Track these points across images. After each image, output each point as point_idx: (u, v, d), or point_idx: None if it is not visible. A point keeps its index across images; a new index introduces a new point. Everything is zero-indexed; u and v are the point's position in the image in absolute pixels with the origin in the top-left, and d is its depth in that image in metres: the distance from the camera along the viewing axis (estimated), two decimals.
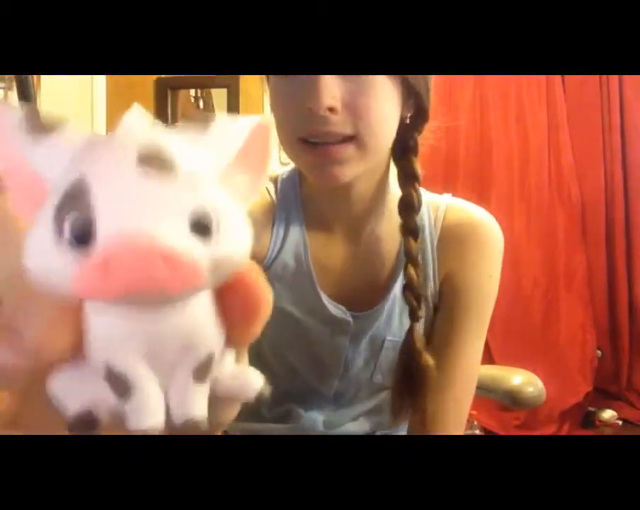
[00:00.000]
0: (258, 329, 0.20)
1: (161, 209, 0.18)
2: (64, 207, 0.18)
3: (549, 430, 2.52)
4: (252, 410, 0.67)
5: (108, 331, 0.19)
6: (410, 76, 0.57)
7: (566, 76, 2.81)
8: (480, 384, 0.93)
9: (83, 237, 0.18)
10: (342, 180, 0.56)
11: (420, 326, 0.64)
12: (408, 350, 0.62)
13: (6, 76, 2.10)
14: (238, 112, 3.02)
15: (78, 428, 0.19)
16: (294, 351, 0.64)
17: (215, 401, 0.21)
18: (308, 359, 0.65)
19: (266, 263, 0.61)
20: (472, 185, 2.85)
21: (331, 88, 0.52)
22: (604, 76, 2.77)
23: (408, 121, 0.61)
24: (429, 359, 0.62)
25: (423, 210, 0.65)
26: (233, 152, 0.21)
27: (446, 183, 2.92)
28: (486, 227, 0.68)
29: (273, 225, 0.62)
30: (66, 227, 0.18)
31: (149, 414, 0.19)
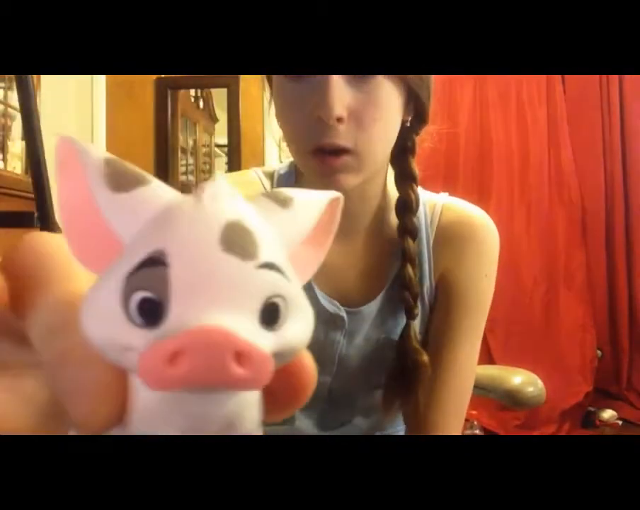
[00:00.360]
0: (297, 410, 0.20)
1: (237, 298, 0.17)
2: (137, 278, 0.17)
3: (549, 430, 2.52)
4: None
5: (152, 405, 0.18)
6: (413, 81, 0.57)
7: (566, 76, 2.81)
8: (480, 384, 0.93)
9: (152, 315, 0.17)
10: (347, 188, 0.56)
11: (416, 325, 0.65)
12: (404, 347, 0.63)
13: (6, 76, 2.10)
14: (238, 112, 3.02)
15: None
16: None
17: None
18: None
19: None
20: (472, 185, 2.85)
21: (342, 97, 0.53)
22: (604, 76, 2.77)
23: (408, 124, 0.62)
24: (425, 357, 0.62)
25: (420, 209, 0.65)
26: (309, 229, 0.21)
27: (446, 183, 2.92)
28: (482, 226, 0.67)
29: None
30: (136, 302, 0.17)
31: None
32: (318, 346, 0.64)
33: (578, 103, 2.80)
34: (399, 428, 0.75)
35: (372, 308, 0.65)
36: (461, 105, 2.86)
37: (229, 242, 0.17)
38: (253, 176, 0.69)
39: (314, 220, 0.21)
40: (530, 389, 0.91)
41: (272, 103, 0.62)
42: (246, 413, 0.19)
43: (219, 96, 3.92)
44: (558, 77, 2.81)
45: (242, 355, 0.16)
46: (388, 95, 0.55)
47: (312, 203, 0.21)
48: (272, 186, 0.67)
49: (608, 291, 2.81)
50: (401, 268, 0.63)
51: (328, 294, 0.65)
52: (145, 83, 3.03)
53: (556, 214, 2.79)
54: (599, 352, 2.74)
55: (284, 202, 0.20)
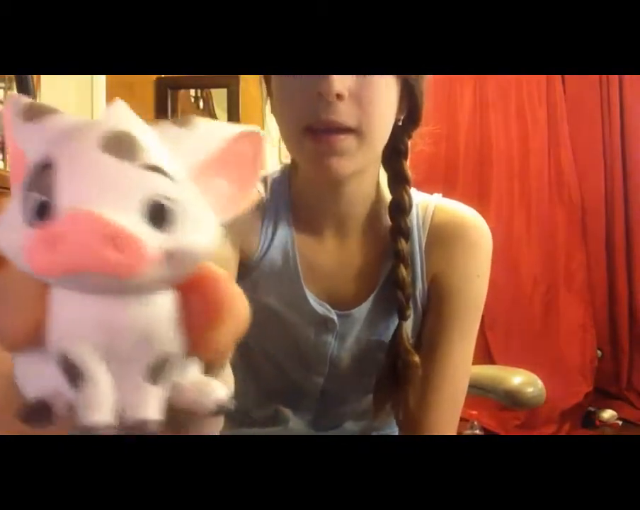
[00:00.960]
0: (224, 338, 0.20)
1: (116, 192, 0.18)
2: (30, 185, 0.19)
3: (549, 430, 2.51)
4: (239, 412, 0.66)
5: (68, 317, 0.19)
6: (410, 78, 0.59)
7: (566, 76, 2.80)
8: (480, 384, 0.93)
9: (42, 215, 0.18)
10: (341, 173, 0.57)
11: (408, 326, 0.65)
12: (395, 348, 0.63)
13: (6, 76, 2.09)
14: (238, 112, 3.01)
15: (30, 418, 0.19)
16: (280, 349, 0.65)
17: (175, 409, 0.20)
18: (293, 357, 0.65)
19: (255, 260, 0.62)
20: (472, 185, 2.85)
21: (342, 76, 0.54)
22: (604, 76, 2.77)
23: (400, 123, 0.62)
24: (416, 357, 0.62)
25: (412, 210, 0.65)
26: (212, 150, 0.21)
27: (446, 183, 2.91)
28: (474, 227, 0.67)
29: (262, 223, 0.63)
30: (30, 205, 0.19)
31: (96, 409, 0.19)
32: (308, 347, 0.65)
33: (578, 103, 2.80)
34: (396, 430, 0.75)
35: (362, 310, 0.65)
36: (461, 106, 2.86)
37: (108, 145, 0.19)
38: None
39: (219, 143, 0.22)
40: (530, 389, 0.90)
41: (269, 99, 0.63)
42: (160, 328, 0.20)
43: (219, 96, 3.92)
44: (558, 77, 2.81)
45: (115, 237, 0.17)
46: (386, 82, 0.56)
47: (217, 128, 0.22)
48: (265, 190, 0.67)
49: (608, 291, 2.80)
50: (394, 268, 0.63)
51: (317, 295, 0.65)
52: (145, 83, 3.02)
53: (556, 215, 2.79)
54: (599, 352, 2.73)
55: (183, 123, 0.22)
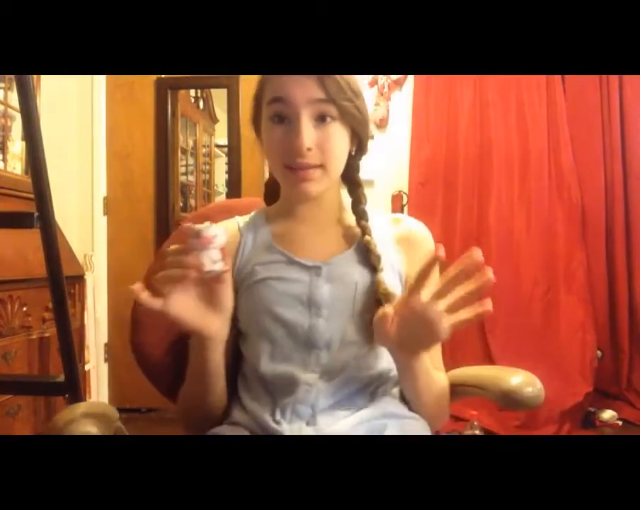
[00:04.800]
0: None
1: None
2: None
3: (549, 430, 2.51)
4: (256, 372, 0.87)
5: None
6: (356, 125, 0.86)
7: (566, 76, 2.81)
8: (478, 384, 0.93)
9: None
10: (313, 194, 0.86)
11: (383, 277, 0.86)
12: (377, 293, 0.84)
13: (6, 76, 2.10)
14: (238, 112, 3.02)
15: None
16: (284, 305, 0.86)
17: None
18: (296, 307, 0.86)
19: (239, 267, 0.91)
20: (472, 185, 2.85)
21: (310, 135, 0.81)
22: (604, 76, 2.77)
23: (353, 153, 0.91)
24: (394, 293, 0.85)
25: (383, 225, 0.94)
26: None
27: (446, 183, 2.92)
28: (422, 232, 0.95)
29: (239, 247, 0.93)
30: None
31: None
32: (306, 292, 0.87)
33: (578, 104, 2.80)
34: (397, 413, 0.84)
35: (340, 260, 0.90)
36: (462, 106, 2.86)
37: None
38: (233, 223, 0.97)
39: None
40: (529, 389, 0.90)
41: (260, 142, 0.89)
42: None
43: (219, 96, 3.92)
44: (558, 77, 2.81)
45: None
46: (340, 133, 0.85)
47: None
48: (247, 221, 0.97)
49: (608, 291, 2.80)
50: (363, 238, 0.90)
51: (305, 258, 0.89)
52: (145, 83, 3.02)
53: (556, 215, 2.79)
54: (599, 352, 2.74)
55: None
